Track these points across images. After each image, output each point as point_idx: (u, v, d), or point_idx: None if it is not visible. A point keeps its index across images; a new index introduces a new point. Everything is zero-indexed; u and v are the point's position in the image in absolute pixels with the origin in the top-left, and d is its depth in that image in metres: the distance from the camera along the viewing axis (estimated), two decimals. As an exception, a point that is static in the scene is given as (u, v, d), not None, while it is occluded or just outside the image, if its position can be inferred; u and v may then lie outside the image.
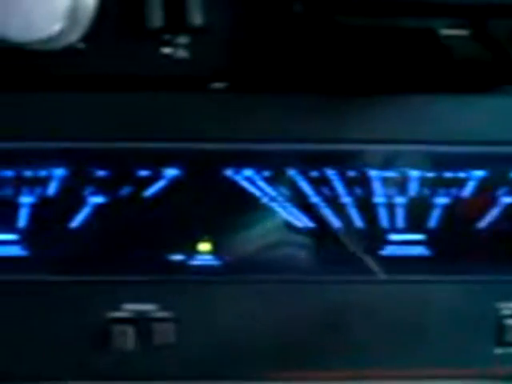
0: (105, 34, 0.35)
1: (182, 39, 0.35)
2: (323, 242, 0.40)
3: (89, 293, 0.40)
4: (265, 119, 0.38)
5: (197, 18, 0.34)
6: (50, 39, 0.33)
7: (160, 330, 0.40)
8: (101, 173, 0.38)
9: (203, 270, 0.40)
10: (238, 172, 0.39)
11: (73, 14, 0.33)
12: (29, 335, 0.40)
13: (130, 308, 0.40)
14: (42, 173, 0.38)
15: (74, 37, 0.34)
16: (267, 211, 0.39)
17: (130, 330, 0.39)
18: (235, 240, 0.40)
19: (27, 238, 0.39)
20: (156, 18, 0.34)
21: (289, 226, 0.40)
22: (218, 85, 0.38)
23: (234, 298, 0.40)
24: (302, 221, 0.40)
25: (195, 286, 0.40)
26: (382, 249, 0.40)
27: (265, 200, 0.39)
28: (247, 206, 0.39)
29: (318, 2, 0.32)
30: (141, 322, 0.40)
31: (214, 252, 0.40)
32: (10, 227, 0.39)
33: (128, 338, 0.39)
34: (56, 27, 0.33)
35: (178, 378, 0.41)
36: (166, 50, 0.36)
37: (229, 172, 0.39)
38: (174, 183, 0.39)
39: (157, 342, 0.40)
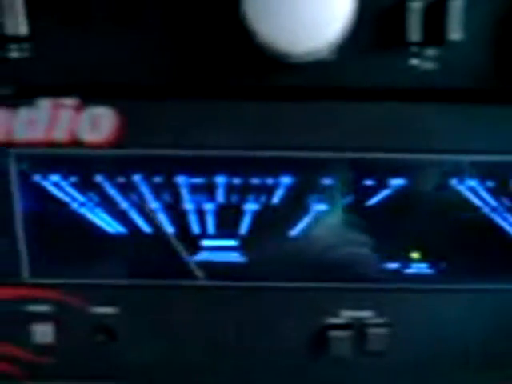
0: (356, 46, 0.35)
1: (431, 51, 0.35)
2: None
3: (307, 299, 0.40)
4: (492, 130, 0.37)
5: (457, 34, 0.33)
6: (311, 53, 0.33)
7: (375, 336, 0.40)
8: (326, 181, 0.38)
9: (417, 278, 0.40)
10: (461, 182, 0.39)
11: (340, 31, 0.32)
12: (242, 340, 0.41)
13: (347, 314, 0.40)
14: (269, 181, 0.38)
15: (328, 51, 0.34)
16: (483, 221, 0.39)
17: (346, 336, 0.40)
18: (449, 249, 0.40)
19: (247, 244, 0.39)
20: (415, 32, 0.34)
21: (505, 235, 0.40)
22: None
23: (447, 307, 0.40)
24: (517, 231, 0.39)
25: (410, 294, 0.40)
26: None
27: (485, 210, 0.39)
28: (467, 215, 0.39)
29: None
30: (356, 329, 0.40)
31: (428, 260, 0.40)
32: (231, 233, 0.39)
33: (345, 344, 0.40)
34: (328, 42, 0.32)
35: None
36: (414, 62, 0.35)
37: (453, 181, 0.38)
38: (398, 192, 0.39)
39: (371, 348, 0.40)
